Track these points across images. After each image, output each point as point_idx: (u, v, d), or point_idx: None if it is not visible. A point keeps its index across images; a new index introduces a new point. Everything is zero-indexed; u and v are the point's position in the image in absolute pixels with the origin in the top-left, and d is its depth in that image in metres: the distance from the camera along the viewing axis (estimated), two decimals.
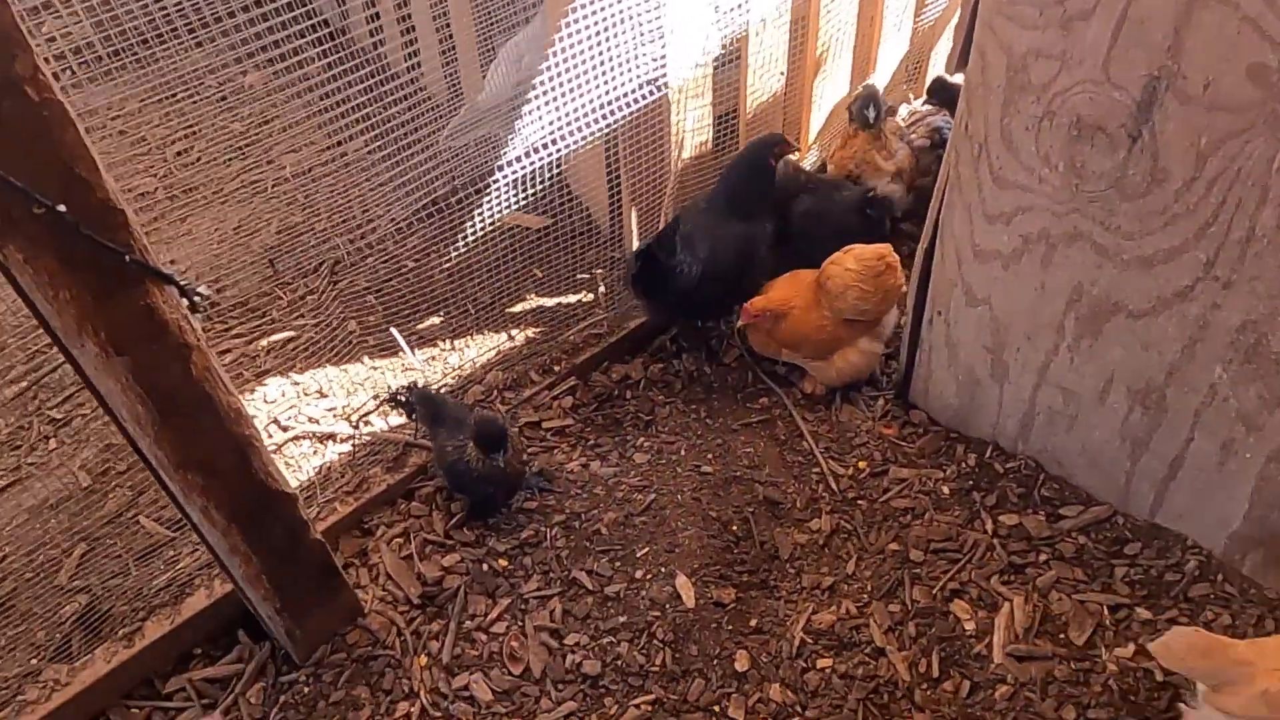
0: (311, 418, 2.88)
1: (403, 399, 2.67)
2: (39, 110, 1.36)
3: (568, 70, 2.38)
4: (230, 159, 3.82)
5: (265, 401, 2.92)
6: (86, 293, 1.54)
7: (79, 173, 1.44)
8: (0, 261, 1.48)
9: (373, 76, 3.02)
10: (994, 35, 1.98)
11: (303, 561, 2.18)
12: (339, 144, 3.73)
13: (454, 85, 3.79)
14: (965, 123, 2.16)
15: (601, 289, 3.28)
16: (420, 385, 2.68)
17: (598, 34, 2.38)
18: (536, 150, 2.46)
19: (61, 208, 1.42)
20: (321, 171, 3.66)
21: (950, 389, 2.67)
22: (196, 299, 1.81)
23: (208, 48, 3.35)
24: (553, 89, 2.40)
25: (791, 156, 3.02)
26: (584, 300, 3.27)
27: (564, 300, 3.26)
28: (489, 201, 2.66)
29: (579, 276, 3.33)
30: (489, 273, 3.18)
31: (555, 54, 2.33)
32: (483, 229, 2.81)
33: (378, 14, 4.03)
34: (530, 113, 2.39)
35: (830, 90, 3.31)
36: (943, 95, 3.25)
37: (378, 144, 3.43)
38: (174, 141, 3.94)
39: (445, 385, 2.96)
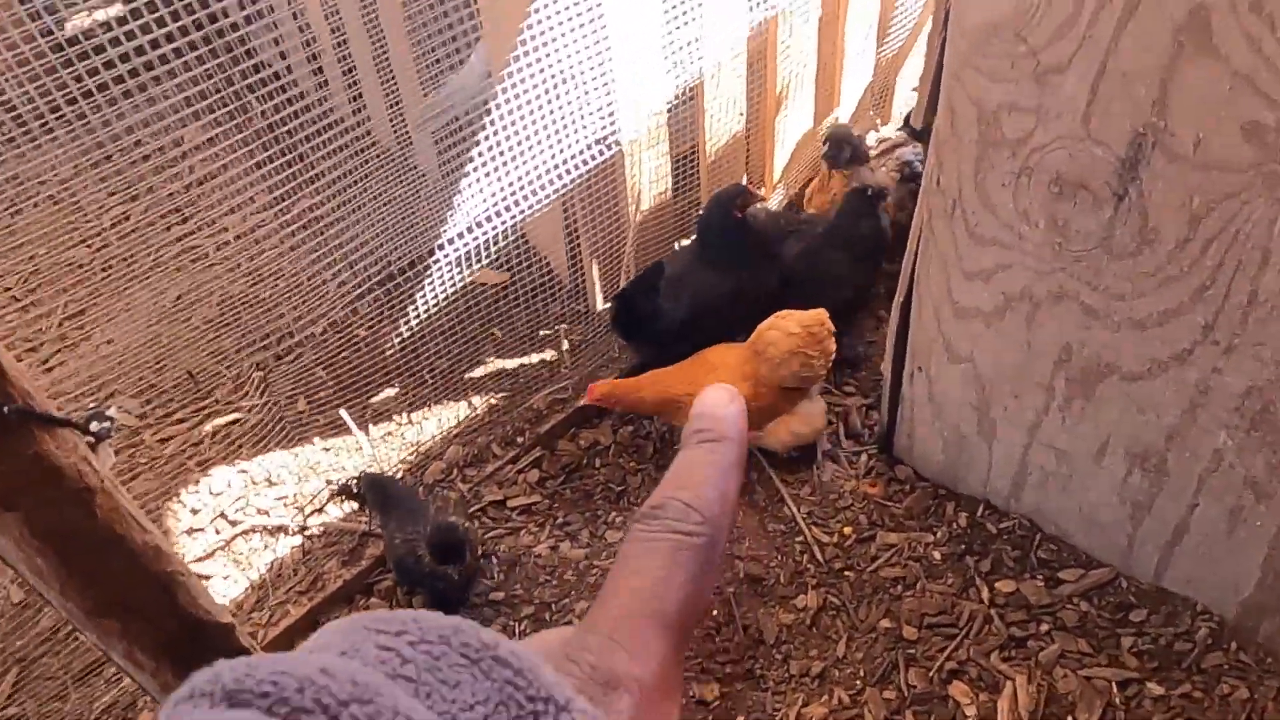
0: (261, 509, 2.71)
1: (354, 489, 2.50)
2: None
3: (512, 135, 2.22)
4: (170, 224, 3.64)
5: (211, 494, 2.74)
6: None
7: None
8: None
9: (316, 124, 2.86)
10: (963, 88, 1.83)
11: None
12: (283, 200, 3.56)
13: (401, 133, 3.63)
14: (936, 176, 2.01)
15: (565, 346, 3.12)
16: (370, 471, 2.50)
17: (541, 95, 2.21)
18: (480, 225, 2.29)
19: None
20: (265, 234, 3.48)
21: (936, 445, 2.53)
22: (103, 427, 1.64)
23: (143, 98, 3.18)
24: (497, 156, 2.24)
25: (759, 205, 2.86)
26: (547, 360, 3.10)
27: (526, 361, 3.10)
28: (441, 272, 2.49)
29: (541, 334, 3.17)
30: (445, 337, 3.01)
31: (496, 119, 2.17)
32: (438, 298, 2.64)
33: (317, 55, 3.87)
34: (475, 184, 2.22)
35: (794, 126, 3.16)
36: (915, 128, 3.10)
37: (324, 198, 3.26)
38: (110, 207, 3.75)
39: (404, 462, 2.79)
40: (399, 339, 3.02)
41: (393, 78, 3.48)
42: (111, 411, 1.69)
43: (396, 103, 3.57)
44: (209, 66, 2.42)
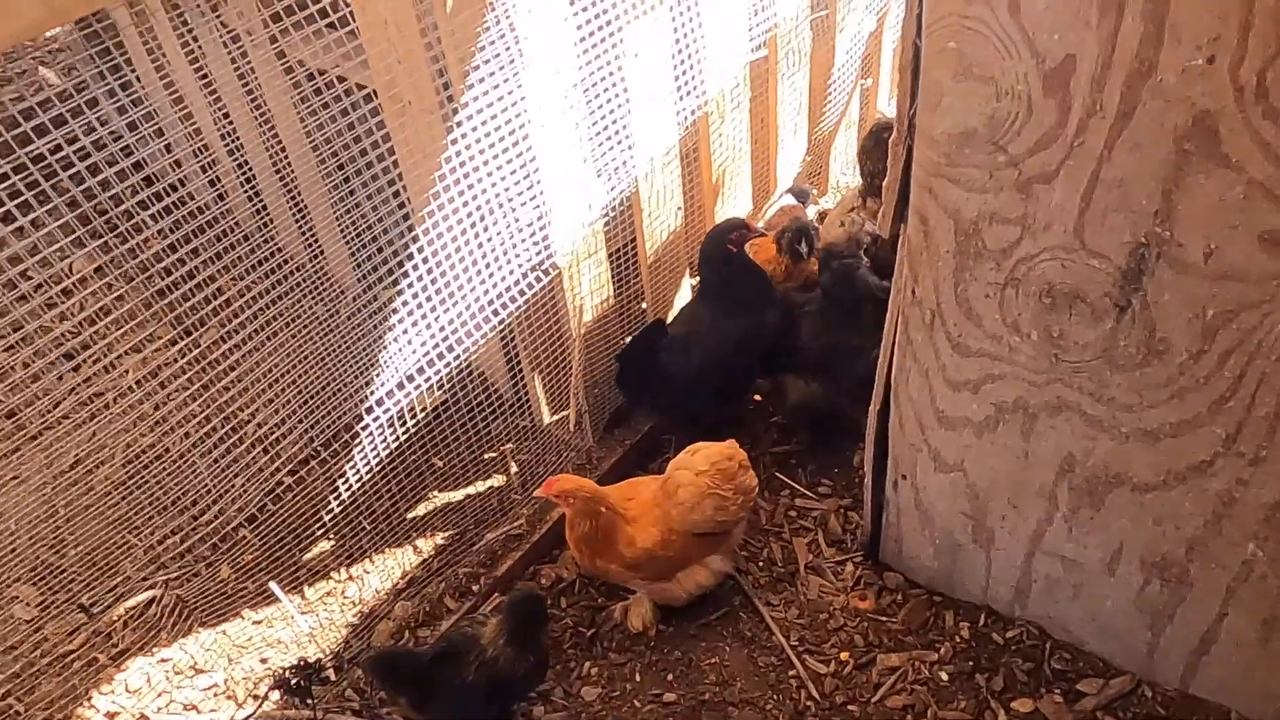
0: (188, 704, 2.38)
1: (294, 681, 2.20)
2: None
3: (441, 276, 1.99)
4: (61, 371, 3.29)
5: (128, 691, 2.41)
6: None
7: None
8: None
9: (218, 238, 2.60)
10: (935, 199, 1.67)
11: None
12: (188, 333, 3.25)
13: (310, 242, 3.36)
14: (911, 288, 1.84)
15: (513, 469, 2.87)
16: (317, 662, 2.21)
17: (469, 229, 2.00)
18: (412, 379, 2.05)
19: None
20: (171, 373, 3.16)
21: (927, 551, 2.35)
22: None
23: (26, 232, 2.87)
24: (424, 302, 2.00)
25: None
26: (495, 486, 2.85)
27: (472, 491, 2.84)
28: (372, 434, 2.21)
29: (485, 457, 2.92)
30: (381, 474, 2.73)
31: (424, 261, 1.94)
32: (369, 462, 2.35)
33: (218, 177, 3.59)
34: (403, 335, 1.98)
35: (733, 212, 3.00)
36: None
37: (234, 325, 2.97)
38: None
39: (347, 625, 2.50)
40: (328, 481, 2.73)
41: (295, 184, 3.22)
42: None
43: (302, 210, 3.30)
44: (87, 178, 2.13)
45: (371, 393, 2.02)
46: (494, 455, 2.92)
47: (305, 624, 2.47)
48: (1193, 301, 1.48)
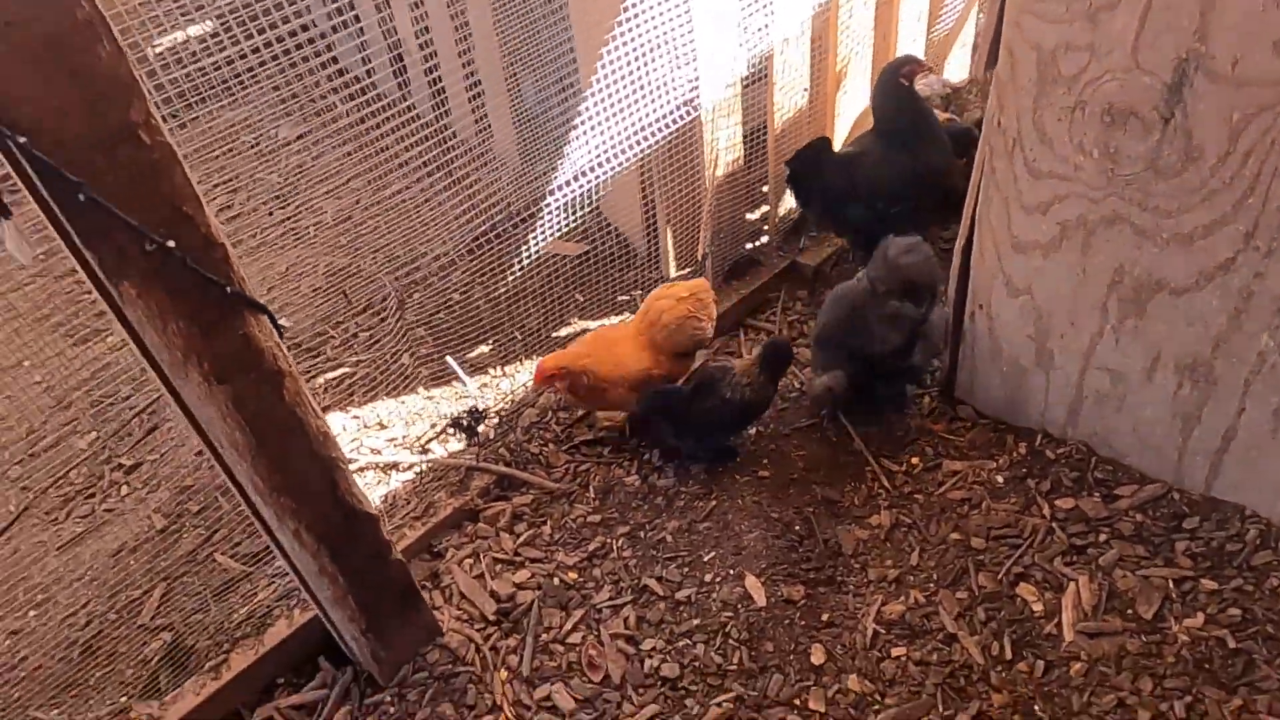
0: (374, 449, 2.96)
1: (465, 423, 2.75)
2: (150, 154, 1.46)
3: (608, 97, 2.49)
4: (272, 209, 3.95)
5: None
6: (194, 325, 1.63)
7: (185, 210, 1.53)
8: (114, 297, 1.57)
9: (401, 120, 3.15)
10: (1021, 32, 2.07)
11: (385, 582, 2.25)
12: (377, 187, 3.87)
13: (482, 126, 3.91)
14: (997, 118, 2.25)
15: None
16: (483, 410, 2.75)
17: (634, 60, 2.49)
18: (578, 178, 2.56)
19: (171, 243, 1.52)
20: (362, 215, 3.78)
21: (995, 381, 2.74)
22: (283, 327, 1.91)
23: (242, 104, 3.53)
24: (595, 115, 2.51)
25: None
26: (625, 320, 3.35)
27: (606, 321, 3.35)
28: (529, 234, 2.76)
29: (619, 298, 3.43)
30: (533, 300, 3.29)
31: (596, 82, 2.44)
32: (525, 261, 2.92)
33: (400, 56, 4.17)
34: (575, 140, 2.49)
35: (851, 104, 3.41)
36: None
37: (415, 185, 3.57)
38: (214, 197, 4.07)
39: (501, 409, 3.04)
40: (490, 302, 3.29)
41: (477, 81, 3.76)
42: (284, 321, 1.95)
43: (479, 102, 3.84)
44: (287, 59, 2.69)
45: (554, 179, 2.54)
46: (625, 298, 3.42)
47: (472, 387, 3.03)
48: (1223, 107, 1.85)
